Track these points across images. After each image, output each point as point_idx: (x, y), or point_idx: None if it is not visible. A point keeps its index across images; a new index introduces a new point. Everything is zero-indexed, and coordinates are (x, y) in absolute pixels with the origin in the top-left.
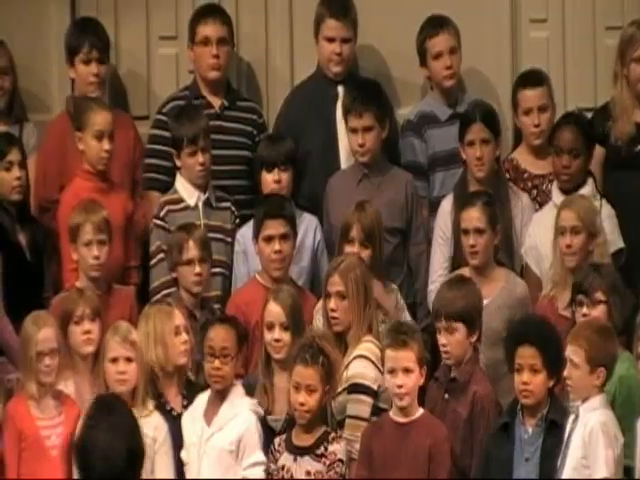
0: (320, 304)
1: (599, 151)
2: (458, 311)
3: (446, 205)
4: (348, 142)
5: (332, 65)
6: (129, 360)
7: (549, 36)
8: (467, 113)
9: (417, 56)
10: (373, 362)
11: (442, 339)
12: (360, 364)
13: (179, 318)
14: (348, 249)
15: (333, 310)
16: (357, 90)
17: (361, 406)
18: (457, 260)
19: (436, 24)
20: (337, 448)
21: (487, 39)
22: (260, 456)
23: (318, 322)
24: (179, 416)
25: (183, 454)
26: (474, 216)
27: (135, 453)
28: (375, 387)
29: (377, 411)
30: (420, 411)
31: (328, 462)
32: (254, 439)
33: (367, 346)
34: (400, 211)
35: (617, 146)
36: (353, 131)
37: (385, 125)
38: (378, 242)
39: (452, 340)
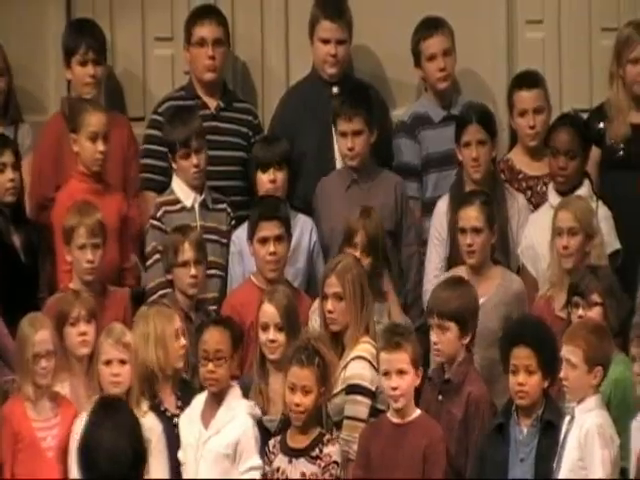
0: (316, 305)
1: (595, 152)
2: (452, 311)
3: (442, 206)
4: (337, 146)
5: (327, 66)
6: (123, 362)
7: (545, 37)
8: (463, 114)
9: (412, 57)
10: (371, 363)
11: (434, 336)
12: (358, 365)
13: (178, 321)
14: (347, 255)
15: (330, 311)
16: (347, 94)
17: (359, 407)
18: (453, 260)
19: (430, 26)
20: (332, 450)
21: (483, 40)
22: (256, 461)
23: (314, 323)
24: (173, 417)
25: (180, 454)
26: (472, 215)
27: (139, 453)
28: (373, 388)
29: (375, 412)
30: (417, 412)
31: (323, 464)
32: (250, 443)
33: (365, 347)
34: (390, 214)
35: (613, 147)
36: (342, 135)
37: (374, 129)
38: (381, 250)
39: (443, 339)
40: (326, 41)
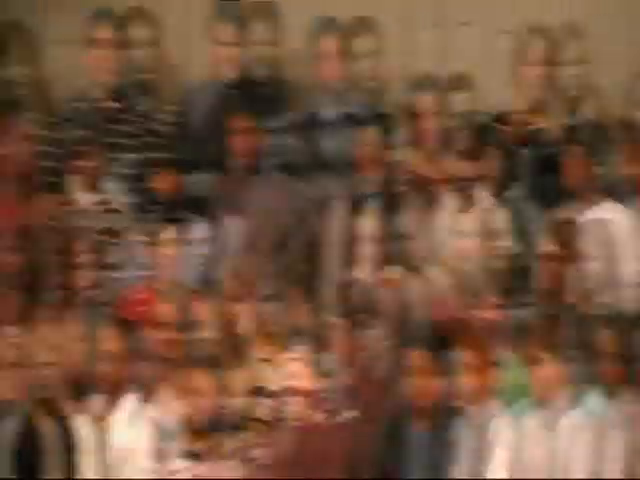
0: (214, 306)
1: (497, 154)
2: (361, 311)
3: (338, 207)
4: (230, 143)
5: (226, 68)
6: (15, 365)
7: (446, 39)
8: (361, 116)
9: (310, 57)
10: (274, 365)
11: (335, 334)
12: (262, 367)
13: (78, 324)
14: (251, 256)
15: (229, 313)
16: (239, 92)
17: (262, 408)
18: (350, 262)
19: (326, 25)
20: (259, 453)
21: (382, 40)
22: (152, 463)
23: (211, 325)
24: (68, 419)
25: (78, 457)
26: (369, 223)
27: (37, 453)
28: (278, 389)
29: (280, 414)
30: (319, 414)
31: (222, 466)
32: (146, 445)
33: (267, 349)
34: (283, 214)
35: (513, 150)
36: (235, 132)
37: (268, 128)
38: (284, 254)
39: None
40: (225, 44)
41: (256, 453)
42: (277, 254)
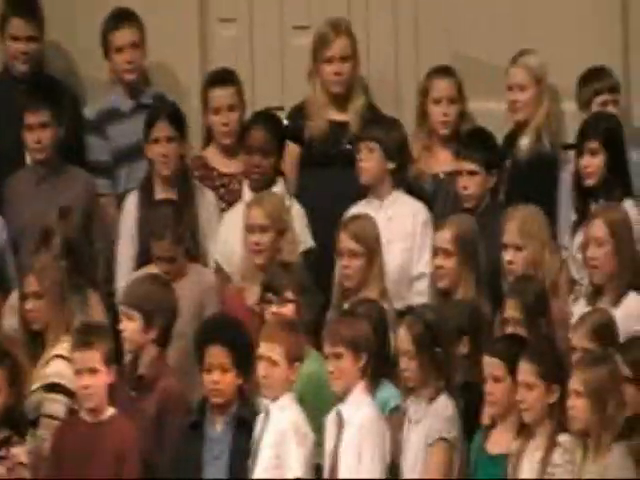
0: (10, 302)
1: (294, 149)
2: (135, 303)
3: (131, 202)
4: (24, 140)
5: (18, 63)
6: None
7: (237, 35)
8: (151, 111)
9: (105, 51)
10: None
11: (121, 326)
12: (58, 363)
13: None
14: (45, 253)
15: (29, 310)
16: (34, 87)
17: (56, 405)
18: (145, 256)
19: (120, 18)
20: (19, 451)
21: (175, 36)
22: None
23: (8, 321)
24: None
25: None
26: (164, 246)
27: None
28: (72, 386)
29: (74, 411)
30: (110, 410)
31: (9, 465)
32: None
33: (65, 346)
34: (79, 210)
35: (312, 144)
36: (29, 128)
37: (62, 124)
38: (78, 250)
39: (128, 327)
40: (16, 38)
41: (15, 451)
42: (74, 253)
